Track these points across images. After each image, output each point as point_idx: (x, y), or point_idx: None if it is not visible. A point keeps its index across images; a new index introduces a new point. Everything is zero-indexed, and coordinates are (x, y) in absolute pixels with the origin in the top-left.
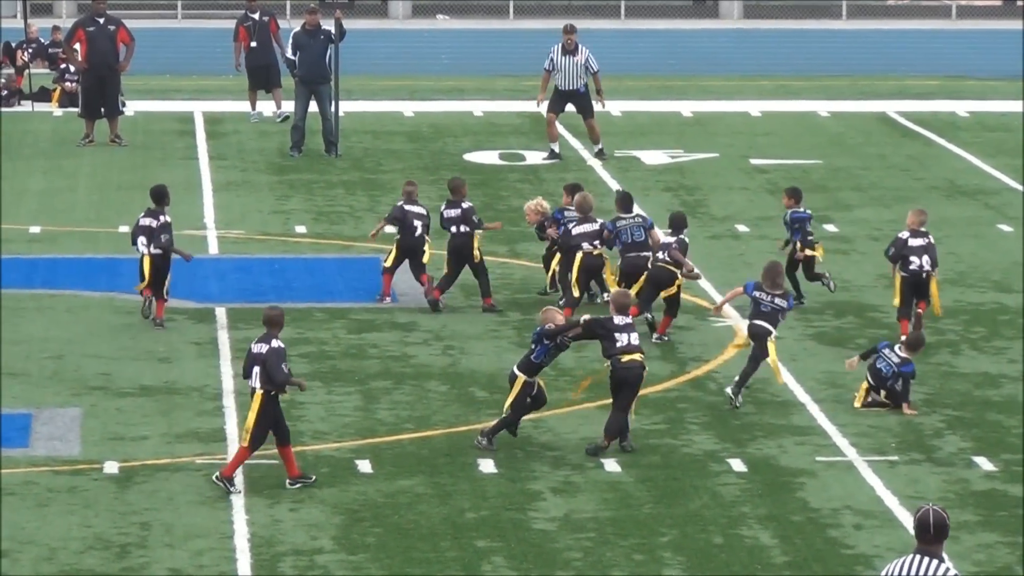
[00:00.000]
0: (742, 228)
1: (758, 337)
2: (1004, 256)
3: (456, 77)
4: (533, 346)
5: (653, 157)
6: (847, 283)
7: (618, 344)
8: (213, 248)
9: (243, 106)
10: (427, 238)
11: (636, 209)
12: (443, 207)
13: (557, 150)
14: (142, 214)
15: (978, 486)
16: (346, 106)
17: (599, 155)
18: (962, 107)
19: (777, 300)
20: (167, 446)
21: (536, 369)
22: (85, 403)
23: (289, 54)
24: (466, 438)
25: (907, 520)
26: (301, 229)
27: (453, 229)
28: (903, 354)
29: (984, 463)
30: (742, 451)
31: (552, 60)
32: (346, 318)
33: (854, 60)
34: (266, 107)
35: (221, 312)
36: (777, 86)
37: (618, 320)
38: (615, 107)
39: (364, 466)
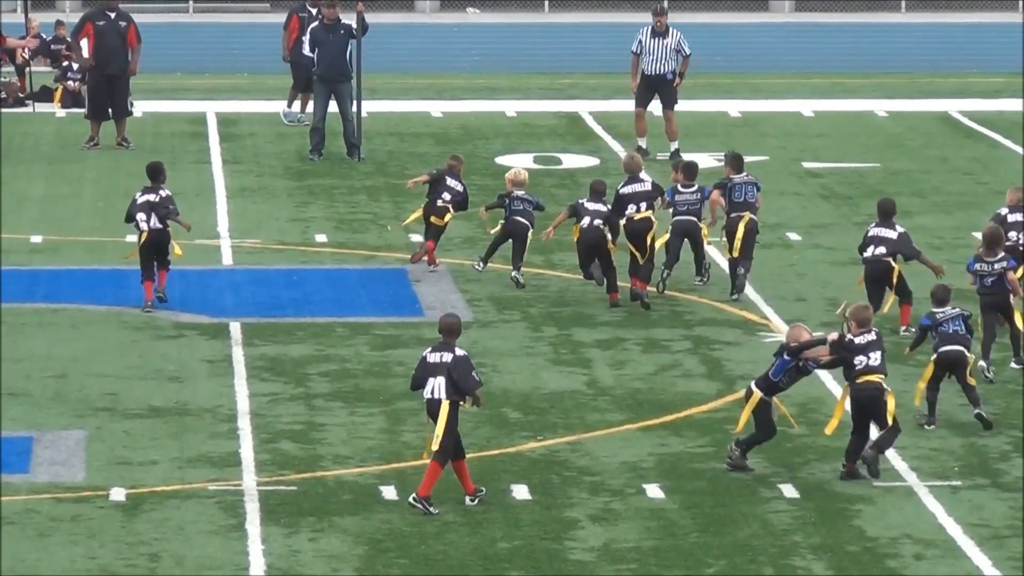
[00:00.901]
0: (794, 236)
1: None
2: None
3: (487, 75)
4: (774, 359)
5: (698, 160)
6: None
7: (857, 367)
8: (227, 259)
9: (258, 106)
10: (450, 210)
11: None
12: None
13: (645, 146)
14: (139, 192)
15: None
16: (369, 106)
17: (674, 156)
18: None
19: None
20: (178, 471)
21: (774, 389)
22: (90, 425)
23: (307, 50)
24: (498, 462)
25: (971, 549)
26: (321, 238)
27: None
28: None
29: None
30: (794, 476)
31: (640, 42)
32: (370, 333)
33: (914, 56)
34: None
35: (235, 327)
36: (831, 84)
37: (860, 340)
38: (656, 107)
39: (389, 492)
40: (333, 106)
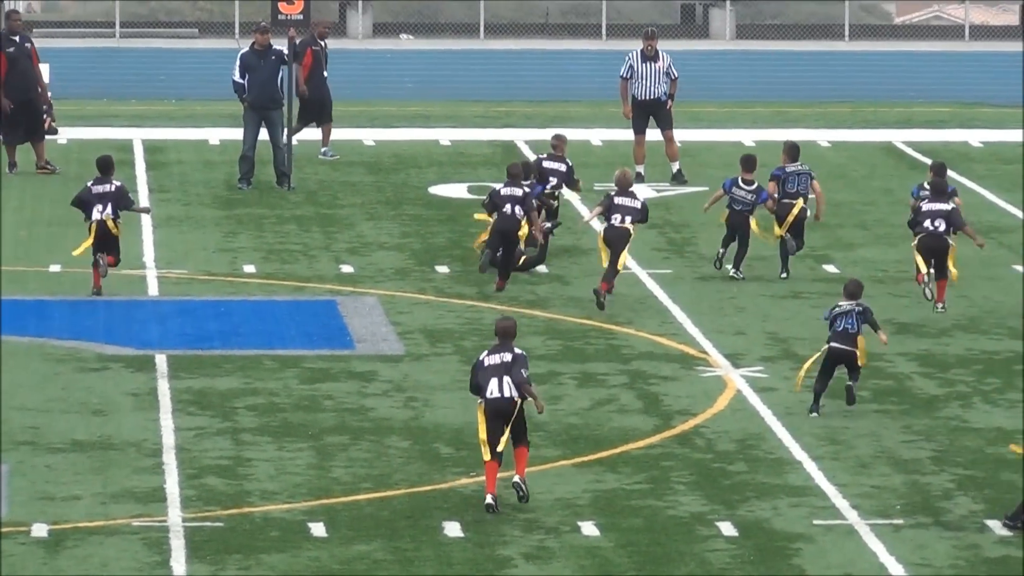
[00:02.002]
0: (734, 269)
1: None
2: (1020, 299)
3: (421, 102)
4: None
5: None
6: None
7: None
8: (153, 289)
9: (185, 133)
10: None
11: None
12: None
13: (643, 172)
14: (91, 182)
15: (992, 552)
16: (299, 134)
17: (677, 176)
18: (975, 137)
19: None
20: (101, 507)
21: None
22: (11, 459)
23: (236, 76)
24: (430, 498)
25: None
26: (250, 269)
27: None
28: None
29: (998, 527)
30: (732, 513)
31: (631, 67)
32: (299, 367)
33: (857, 85)
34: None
35: (161, 359)
36: (773, 113)
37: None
38: (595, 136)
39: (317, 529)
40: (263, 134)
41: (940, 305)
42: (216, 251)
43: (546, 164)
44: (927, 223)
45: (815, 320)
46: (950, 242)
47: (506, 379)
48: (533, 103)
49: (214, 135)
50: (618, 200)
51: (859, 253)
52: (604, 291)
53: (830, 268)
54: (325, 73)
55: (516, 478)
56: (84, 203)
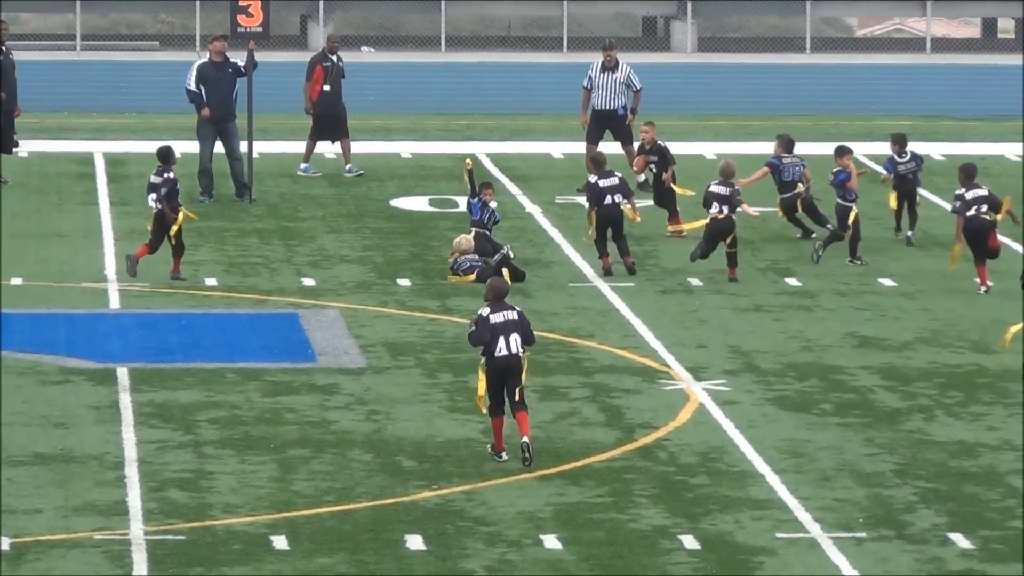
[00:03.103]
0: (695, 282)
1: None
2: (982, 313)
3: (382, 115)
4: None
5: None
6: (810, 342)
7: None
8: (115, 303)
9: (147, 146)
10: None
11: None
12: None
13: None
14: (152, 173)
15: (954, 565)
16: (260, 146)
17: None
18: (937, 150)
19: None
20: (63, 520)
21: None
22: None
23: (191, 85)
24: (392, 511)
25: None
26: (211, 282)
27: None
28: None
29: (960, 540)
30: (695, 527)
31: (590, 77)
32: (260, 380)
33: (819, 98)
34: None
35: (123, 372)
36: (734, 126)
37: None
38: (556, 149)
39: (280, 542)
40: (219, 147)
41: (984, 288)
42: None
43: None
44: (972, 210)
45: (777, 333)
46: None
47: (513, 336)
48: (495, 116)
49: (176, 148)
50: (713, 188)
51: (822, 266)
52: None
53: (792, 281)
54: (329, 87)
55: (524, 439)
56: (150, 191)
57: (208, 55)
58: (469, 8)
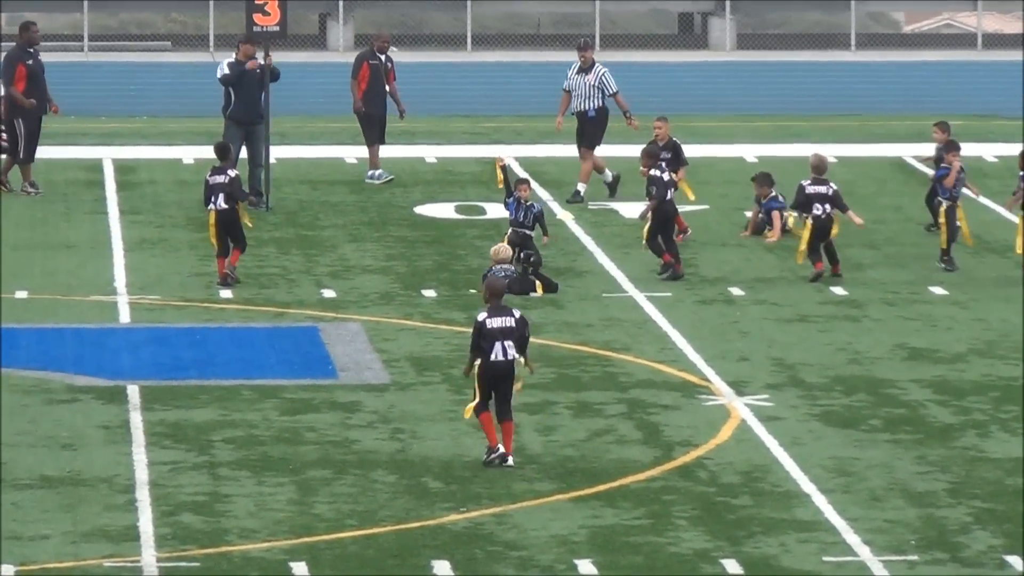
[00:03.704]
0: (737, 291)
1: None
2: None
3: (406, 118)
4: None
5: (633, 210)
6: (858, 355)
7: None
8: (124, 316)
9: (158, 152)
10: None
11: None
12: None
13: (582, 191)
14: (209, 174)
15: None
16: (278, 151)
17: (575, 197)
18: (990, 151)
19: None
20: (71, 546)
21: None
22: None
23: (225, 70)
24: (418, 536)
25: None
26: (227, 294)
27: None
28: None
29: (1018, 563)
30: (738, 550)
31: (568, 78)
32: (279, 397)
33: (865, 97)
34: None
35: (133, 390)
36: (776, 127)
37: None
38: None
39: (299, 569)
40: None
41: None
42: (191, 275)
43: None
44: None
45: (823, 345)
46: None
47: (508, 343)
48: (523, 118)
49: (188, 153)
50: (811, 189)
51: (868, 274)
52: (819, 271)
53: (838, 290)
54: (387, 88)
55: (509, 459)
56: (206, 198)
57: (234, 56)
58: (496, 5)
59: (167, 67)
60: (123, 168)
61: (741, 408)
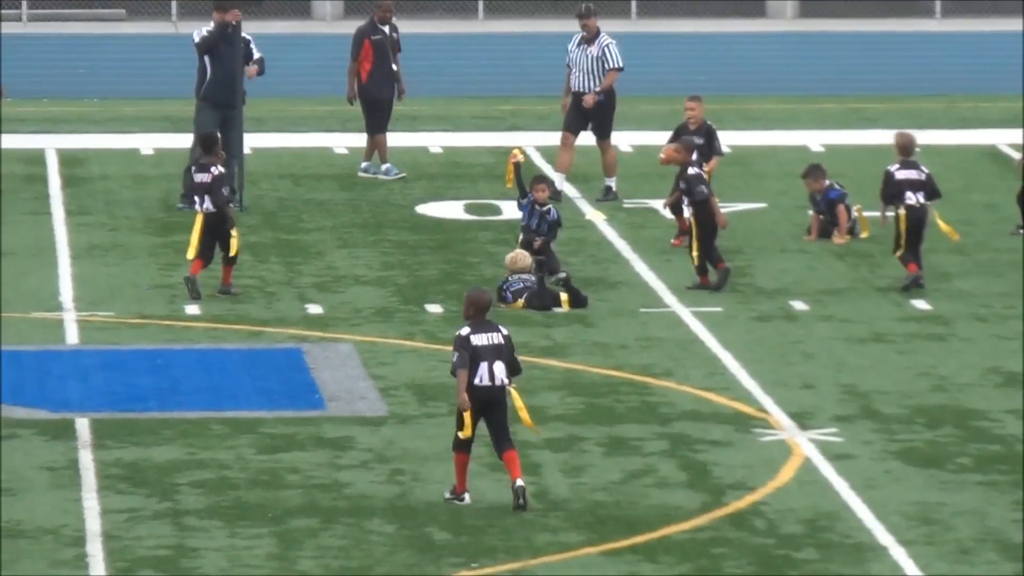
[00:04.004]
0: (799, 306)
1: None
2: None
3: (406, 100)
4: None
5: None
6: (943, 381)
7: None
8: (72, 337)
9: (111, 140)
10: None
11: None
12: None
13: (559, 186)
14: (194, 167)
15: None
16: (253, 140)
17: (607, 194)
18: None
19: None
20: None
21: None
22: None
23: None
24: None
25: None
26: (193, 310)
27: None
28: None
29: None
30: None
31: (569, 52)
32: (255, 432)
33: (952, 75)
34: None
35: (83, 424)
36: (846, 110)
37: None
38: (624, 140)
39: None
40: None
41: None
42: (151, 288)
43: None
44: None
45: (902, 369)
46: None
47: (498, 364)
48: (545, 99)
49: (147, 143)
50: (900, 175)
51: (955, 285)
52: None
53: (920, 304)
54: (395, 67)
55: (519, 482)
56: (188, 194)
57: (212, 24)
58: None
59: (121, 40)
60: (69, 160)
61: (805, 444)
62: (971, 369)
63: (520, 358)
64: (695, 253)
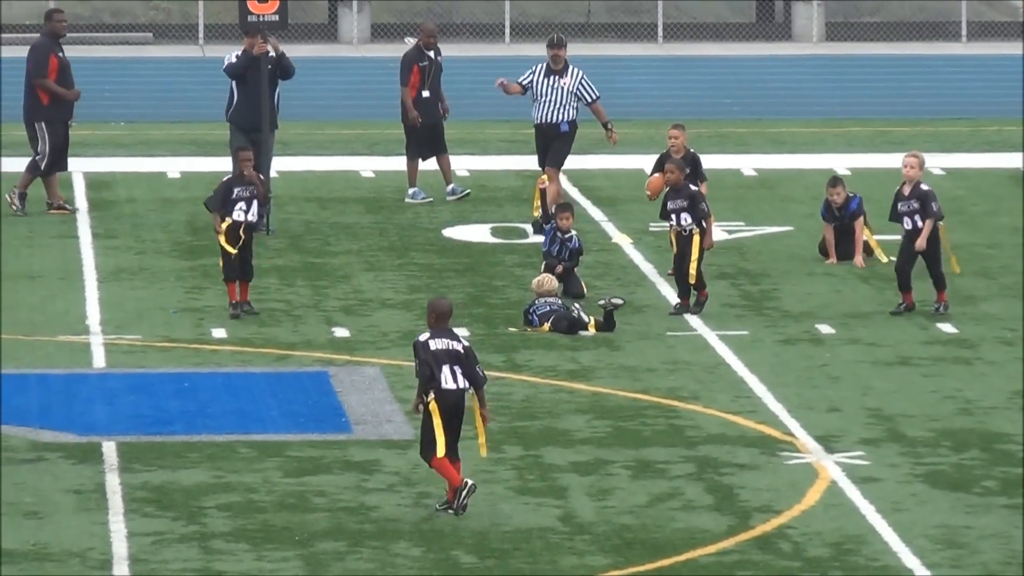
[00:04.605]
0: (826, 329)
1: None
2: None
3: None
4: None
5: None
6: (970, 404)
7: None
8: (99, 360)
9: (138, 164)
10: None
11: None
12: None
13: (539, 217)
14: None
15: None
16: (280, 163)
17: (535, 227)
18: None
19: None
20: None
21: None
22: None
23: (232, 59)
24: None
25: None
26: (220, 333)
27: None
28: None
29: None
30: None
31: (533, 80)
32: (282, 455)
33: (978, 98)
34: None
35: (110, 448)
36: (872, 134)
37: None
38: (650, 164)
39: None
40: None
41: None
42: (177, 312)
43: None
44: None
45: (928, 392)
46: None
47: (456, 367)
48: None
49: (173, 166)
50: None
51: (980, 307)
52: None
53: (946, 327)
54: (428, 93)
55: (469, 482)
56: (224, 203)
57: (242, 49)
58: None
59: (149, 63)
60: (96, 183)
61: (831, 467)
62: (997, 392)
63: (547, 381)
64: (693, 270)
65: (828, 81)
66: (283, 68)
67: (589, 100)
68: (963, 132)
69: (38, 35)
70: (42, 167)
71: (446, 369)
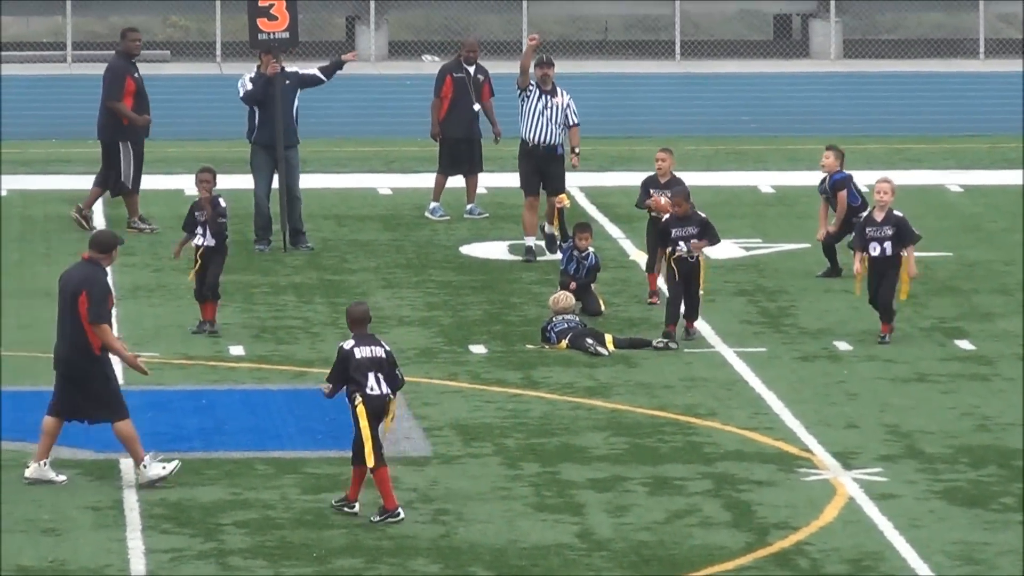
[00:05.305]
0: (843, 346)
1: None
2: None
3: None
4: None
5: (719, 248)
6: (987, 420)
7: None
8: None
9: (155, 181)
10: None
11: None
12: None
13: (532, 245)
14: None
15: None
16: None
17: (550, 244)
18: None
19: None
20: None
21: None
22: None
23: (248, 86)
24: None
25: None
26: (237, 350)
27: None
28: None
29: None
30: None
31: (529, 98)
32: (299, 472)
33: (996, 115)
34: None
35: (127, 464)
36: (890, 151)
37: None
38: None
39: None
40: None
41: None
42: (195, 329)
43: None
44: None
45: (946, 409)
46: None
47: (380, 374)
48: (590, 140)
49: (190, 183)
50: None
51: (998, 325)
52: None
53: (964, 344)
54: (476, 107)
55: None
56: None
57: (256, 68)
58: (557, 6)
59: (165, 81)
60: (113, 200)
61: (849, 484)
62: (1015, 409)
63: (565, 398)
64: (701, 292)
65: (845, 98)
66: (304, 82)
67: (573, 122)
68: (981, 149)
69: (112, 54)
70: (129, 185)
71: (371, 376)
